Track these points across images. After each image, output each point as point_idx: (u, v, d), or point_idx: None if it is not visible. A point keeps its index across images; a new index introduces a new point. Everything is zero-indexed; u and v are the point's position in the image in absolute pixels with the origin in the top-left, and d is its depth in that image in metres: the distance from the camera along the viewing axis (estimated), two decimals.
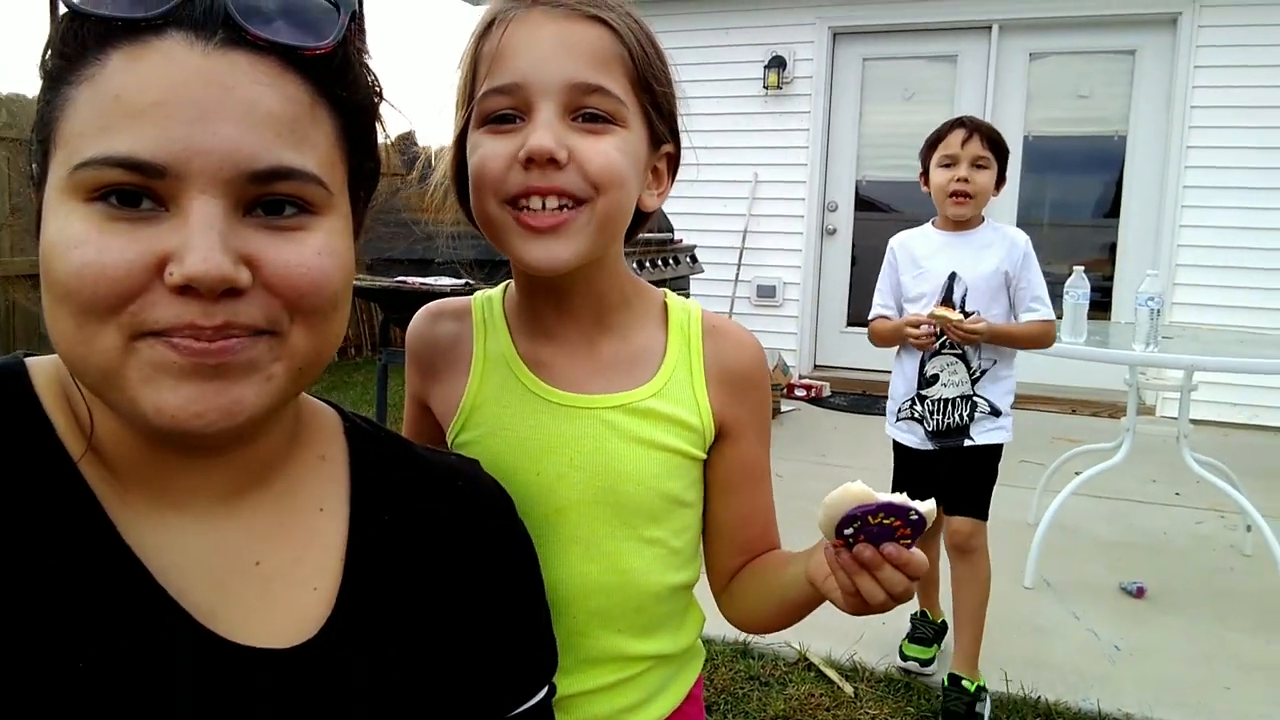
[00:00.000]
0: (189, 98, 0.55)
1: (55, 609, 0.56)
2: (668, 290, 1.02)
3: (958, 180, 2.47)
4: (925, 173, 2.60)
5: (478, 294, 1.01)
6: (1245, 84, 5.63)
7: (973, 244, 2.53)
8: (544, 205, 0.82)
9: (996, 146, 2.50)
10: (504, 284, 1.01)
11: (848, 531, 0.76)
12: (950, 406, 2.54)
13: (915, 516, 0.75)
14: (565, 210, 0.82)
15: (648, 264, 5.05)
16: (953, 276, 2.51)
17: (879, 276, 2.72)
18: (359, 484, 0.73)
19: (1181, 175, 5.81)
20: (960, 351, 2.52)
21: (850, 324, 6.93)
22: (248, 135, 0.56)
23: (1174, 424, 3.38)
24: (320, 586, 0.67)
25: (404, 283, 3.66)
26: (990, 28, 6.26)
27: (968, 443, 2.53)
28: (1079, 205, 6.47)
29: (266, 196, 0.58)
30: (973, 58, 6.38)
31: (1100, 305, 6.01)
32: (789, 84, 6.60)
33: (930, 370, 2.56)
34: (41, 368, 0.65)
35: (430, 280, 3.12)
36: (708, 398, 0.95)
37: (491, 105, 0.83)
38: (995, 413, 2.53)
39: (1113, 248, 6.26)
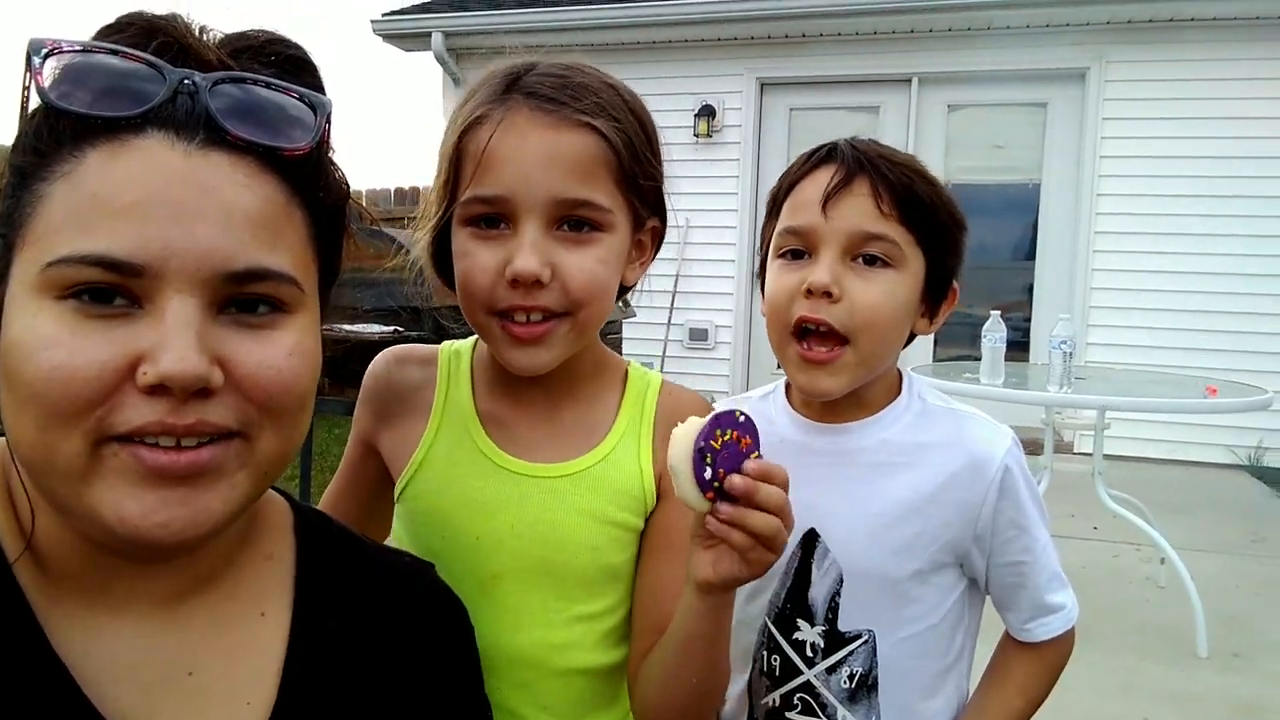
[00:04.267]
0: (168, 198, 0.54)
1: None
2: (633, 361, 1.03)
3: (808, 293, 1.01)
4: (764, 265, 1.12)
5: (445, 345, 1.00)
6: (1150, 135, 5.96)
7: (859, 456, 1.08)
8: (528, 318, 0.85)
9: (920, 211, 1.02)
10: (474, 339, 1.00)
11: (708, 476, 0.75)
12: None
13: (743, 418, 0.77)
14: (548, 321, 0.85)
15: None
16: (809, 541, 1.08)
17: None
18: (304, 586, 0.70)
19: (1093, 221, 6.09)
20: None
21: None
22: (225, 236, 0.56)
23: (1090, 460, 3.50)
24: (254, 700, 0.64)
25: (329, 329, 3.61)
26: (910, 80, 6.50)
27: None
28: (998, 249, 6.72)
29: (241, 296, 0.58)
30: (894, 108, 6.61)
31: (1020, 345, 6.23)
32: (719, 132, 6.76)
33: None
34: None
35: (357, 328, 3.09)
36: (652, 461, 0.94)
37: (476, 211, 0.85)
38: None
39: (1030, 290, 6.50)
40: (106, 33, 0.60)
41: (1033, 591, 1.09)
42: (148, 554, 0.59)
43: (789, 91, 6.85)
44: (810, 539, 1.07)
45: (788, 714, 1.10)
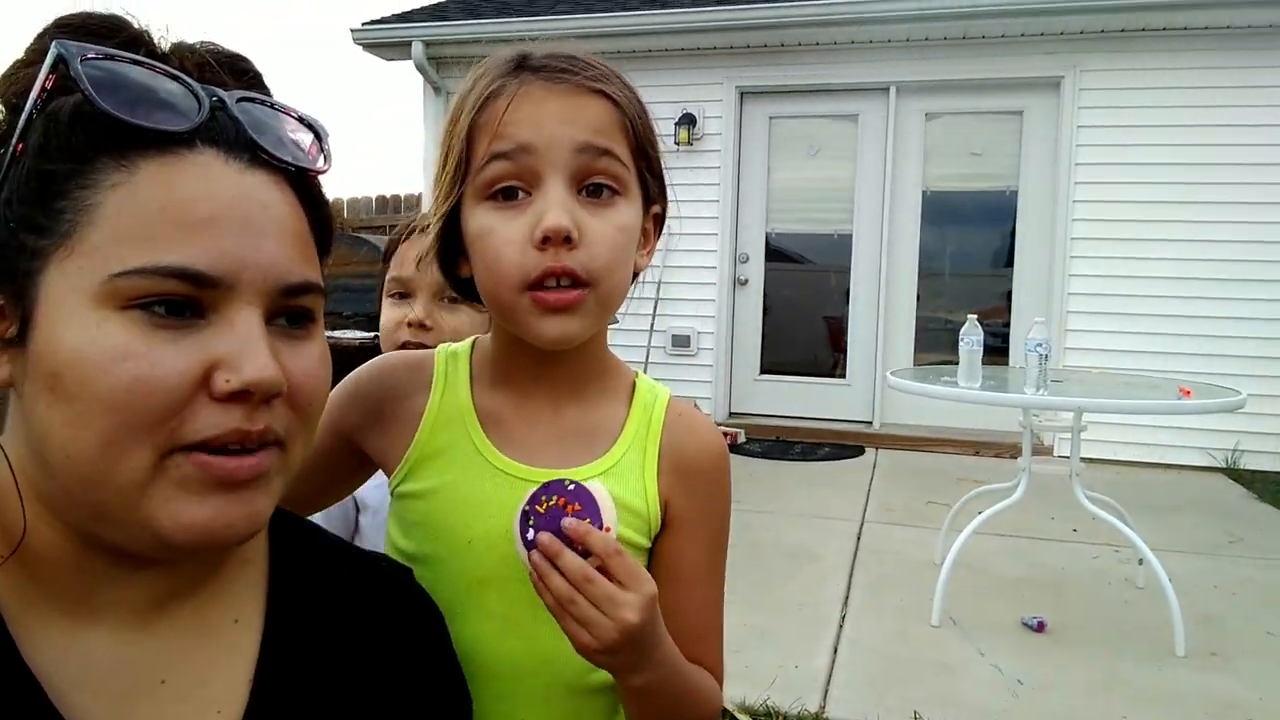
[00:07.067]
0: (238, 213, 0.57)
1: None
2: (640, 372, 1.01)
3: (410, 324, 1.20)
4: None
5: (441, 348, 0.97)
6: (1124, 142, 6.03)
7: None
8: (558, 282, 0.81)
9: None
10: (471, 340, 0.98)
11: (530, 538, 0.75)
12: None
13: (572, 486, 0.77)
14: (577, 289, 0.82)
15: None
16: None
17: None
18: (277, 593, 0.69)
19: (1069, 228, 6.15)
20: None
21: (764, 371, 7.10)
22: (284, 251, 0.59)
23: (1068, 463, 3.53)
24: (225, 708, 0.63)
25: None
26: (888, 89, 6.55)
27: None
28: (976, 256, 6.77)
29: (289, 309, 0.61)
30: (873, 117, 6.67)
31: (999, 350, 6.30)
32: (699, 140, 6.79)
33: None
34: None
35: (336, 334, 3.09)
36: (657, 484, 0.91)
37: (495, 173, 0.81)
38: None
39: (1009, 296, 6.56)
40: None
41: None
42: (189, 555, 0.61)
43: (768, 100, 6.89)
44: None
45: None
